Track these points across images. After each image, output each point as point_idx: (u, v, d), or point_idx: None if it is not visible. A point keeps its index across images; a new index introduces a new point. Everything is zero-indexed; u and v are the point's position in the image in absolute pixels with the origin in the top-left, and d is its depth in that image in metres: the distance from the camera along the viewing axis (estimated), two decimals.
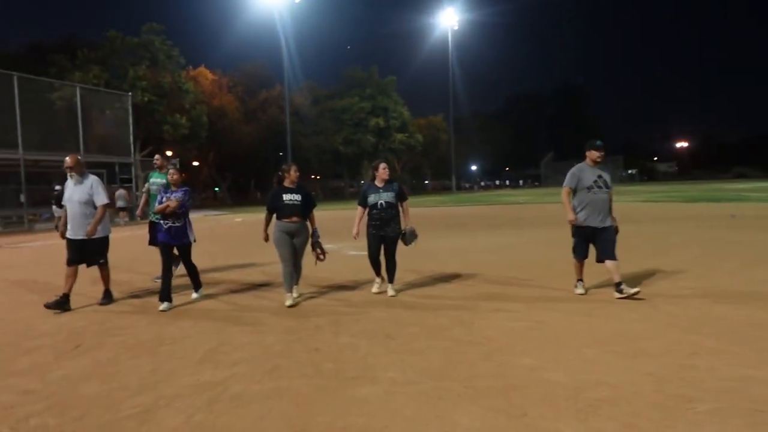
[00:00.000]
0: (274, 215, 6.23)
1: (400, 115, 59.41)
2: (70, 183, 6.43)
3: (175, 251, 6.56)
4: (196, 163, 53.90)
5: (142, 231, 9.75)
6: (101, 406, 3.44)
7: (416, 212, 24.34)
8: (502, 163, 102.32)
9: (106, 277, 6.73)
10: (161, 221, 6.33)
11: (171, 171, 6.53)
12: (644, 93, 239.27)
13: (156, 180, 8.01)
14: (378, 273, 6.65)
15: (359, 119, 57.04)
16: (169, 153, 33.78)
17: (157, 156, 8.39)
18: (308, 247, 6.42)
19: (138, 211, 8.95)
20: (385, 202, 6.34)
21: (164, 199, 6.28)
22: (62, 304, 6.25)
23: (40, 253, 13.43)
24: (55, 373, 4.14)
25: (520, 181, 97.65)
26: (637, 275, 7.18)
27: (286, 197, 6.12)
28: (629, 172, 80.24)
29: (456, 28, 61.43)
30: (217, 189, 69.86)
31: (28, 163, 23.69)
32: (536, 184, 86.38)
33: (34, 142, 24.15)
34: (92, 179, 6.47)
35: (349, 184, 70.81)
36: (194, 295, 6.70)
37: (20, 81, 23.76)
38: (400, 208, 6.53)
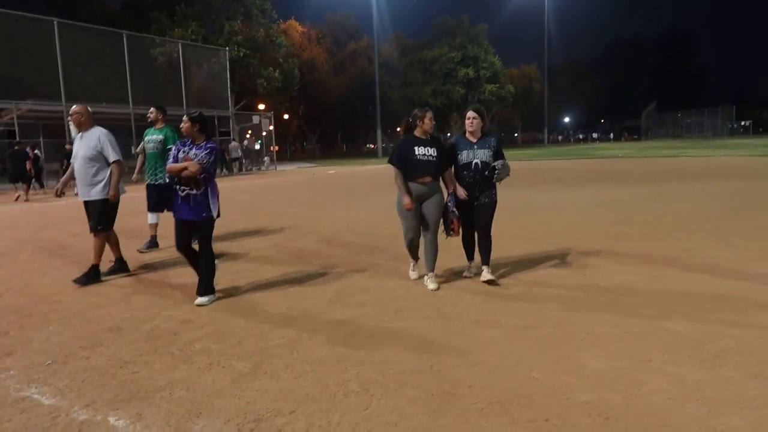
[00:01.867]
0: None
1: (491, 65, 57.78)
2: (76, 137, 5.87)
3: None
4: (286, 116, 55.51)
5: (249, 181, 10.35)
6: (253, 335, 3.96)
7: (511, 166, 24.15)
8: (598, 115, 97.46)
9: (97, 248, 5.76)
10: (177, 186, 4.82)
11: (183, 120, 4.81)
12: (761, 37, 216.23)
13: (152, 137, 7.30)
14: (470, 254, 5.43)
15: (448, 70, 56.16)
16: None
17: (151, 109, 7.44)
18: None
19: (134, 176, 8.66)
20: (481, 161, 5.04)
21: (180, 156, 4.79)
22: (92, 277, 5.68)
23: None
24: (204, 307, 4.74)
25: (611, 135, 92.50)
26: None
27: (419, 151, 4.89)
28: (743, 123, 73.94)
29: None
30: (305, 143, 71.78)
31: (136, 116, 25.49)
32: (635, 137, 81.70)
33: (139, 97, 25.87)
34: (99, 132, 5.73)
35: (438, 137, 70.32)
36: (200, 300, 4.79)
37: (128, 39, 25.40)
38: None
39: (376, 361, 3.39)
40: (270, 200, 14.55)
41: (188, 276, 5.47)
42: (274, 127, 38.85)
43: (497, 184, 5.17)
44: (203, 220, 4.80)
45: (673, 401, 2.75)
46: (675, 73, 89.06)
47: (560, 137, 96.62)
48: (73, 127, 5.92)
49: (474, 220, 5.16)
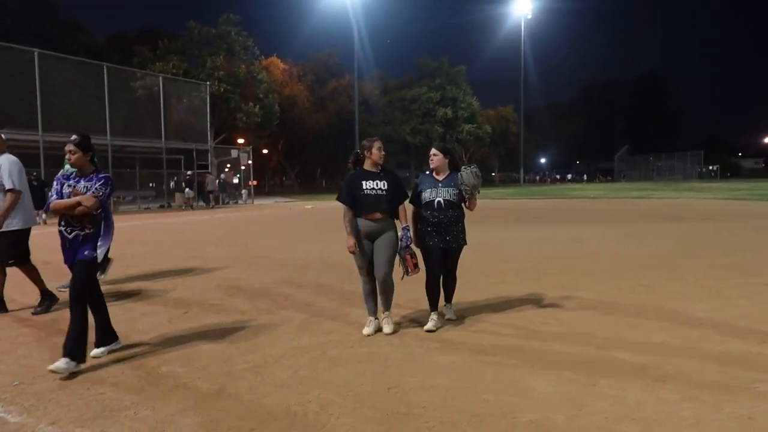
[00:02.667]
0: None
1: (469, 106, 59.31)
2: None
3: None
4: (265, 151, 55.82)
5: (226, 214, 10.45)
6: (219, 360, 4.07)
7: (484, 204, 24.39)
8: (573, 156, 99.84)
9: (30, 278, 5.69)
10: (62, 227, 4.13)
11: (69, 150, 4.04)
12: (731, 85, 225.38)
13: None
14: (434, 305, 4.90)
15: (427, 109, 57.45)
16: (221, 153, 35.14)
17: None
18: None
19: (43, 217, 7.29)
20: (444, 200, 4.74)
21: (66, 191, 4.05)
22: (49, 304, 5.68)
23: (129, 232, 14.68)
24: (173, 333, 4.84)
25: (585, 176, 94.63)
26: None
27: (367, 185, 4.54)
28: (711, 168, 76.43)
29: (529, 16, 60.51)
30: (284, 178, 72.01)
31: (114, 148, 25.50)
32: (608, 178, 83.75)
33: (119, 128, 25.94)
34: (5, 159, 5.42)
35: (415, 174, 71.20)
36: (96, 352, 4.13)
37: (108, 71, 25.63)
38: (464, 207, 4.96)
39: (337, 384, 3.54)
40: (244, 233, 14.67)
41: (158, 303, 5.57)
42: (254, 162, 39.14)
43: (458, 227, 4.82)
44: (84, 259, 3.99)
45: (610, 420, 2.95)
46: (649, 116, 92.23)
47: (537, 177, 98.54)
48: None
49: (438, 265, 4.84)
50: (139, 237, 13.36)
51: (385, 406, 3.19)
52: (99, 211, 4.06)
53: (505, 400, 3.23)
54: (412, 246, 4.71)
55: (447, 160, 4.90)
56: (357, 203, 4.57)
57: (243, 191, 35.39)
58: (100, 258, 4.09)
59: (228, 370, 3.86)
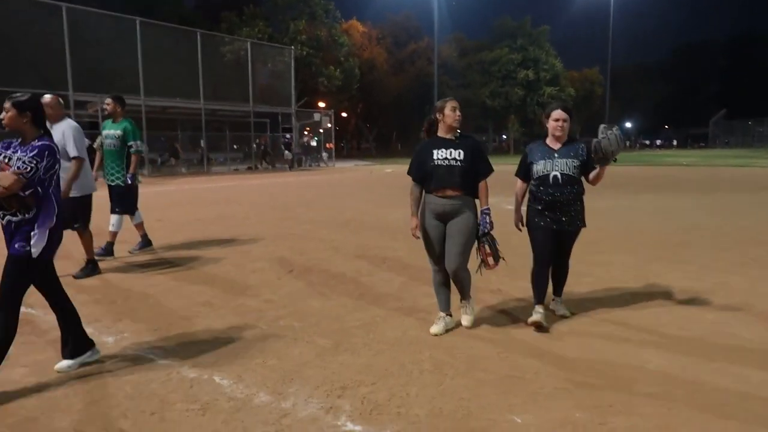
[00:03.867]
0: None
1: (552, 67, 56.93)
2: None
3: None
4: (344, 114, 56.38)
5: (310, 176, 10.59)
6: (330, 317, 4.28)
7: None
8: (662, 121, 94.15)
9: (84, 244, 5.61)
10: None
11: (5, 107, 3.18)
12: None
13: (109, 131, 6.45)
14: (539, 297, 4.03)
15: (508, 71, 55.70)
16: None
17: (107, 100, 6.56)
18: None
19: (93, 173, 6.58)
20: (562, 174, 3.87)
21: None
22: (90, 271, 5.59)
23: (226, 192, 15.40)
24: (283, 289, 5.11)
25: (674, 142, 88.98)
26: None
27: (439, 155, 3.75)
28: None
29: None
30: (361, 141, 72.60)
31: (206, 112, 26.57)
32: (701, 144, 78.56)
33: (209, 92, 26.96)
34: (65, 125, 5.32)
35: (493, 138, 69.82)
36: (62, 365, 3.26)
37: (201, 37, 26.54)
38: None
39: (446, 346, 3.65)
40: (331, 195, 15.01)
41: (264, 260, 5.86)
42: (332, 125, 39.69)
43: (576, 207, 3.99)
44: (13, 254, 3.03)
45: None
46: (746, 78, 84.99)
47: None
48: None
49: (550, 251, 4.00)
50: (235, 197, 14.01)
51: (497, 369, 3.26)
52: (29, 192, 3.04)
53: (619, 372, 3.22)
54: (492, 234, 3.82)
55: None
56: (426, 176, 3.81)
57: (323, 153, 36.07)
58: (35, 253, 3.04)
59: (340, 327, 4.05)
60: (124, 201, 6.52)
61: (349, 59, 42.79)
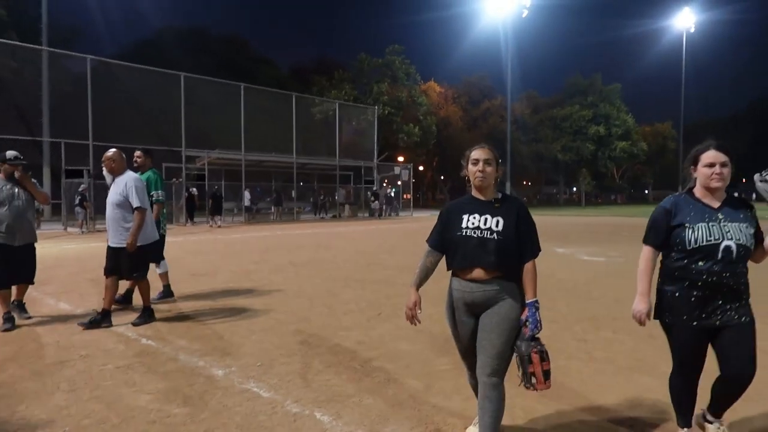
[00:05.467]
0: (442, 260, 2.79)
1: (624, 123, 55.37)
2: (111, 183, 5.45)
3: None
4: (421, 168, 57.03)
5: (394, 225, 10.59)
6: (419, 360, 4.22)
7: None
8: (738, 173, 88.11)
9: (142, 292, 5.42)
10: None
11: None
12: None
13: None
14: (686, 420, 2.81)
15: (579, 127, 54.73)
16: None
17: (137, 152, 6.37)
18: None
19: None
20: (738, 244, 2.55)
21: None
22: (96, 322, 5.14)
23: (316, 238, 15.80)
24: (374, 331, 5.11)
25: (753, 195, 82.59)
26: None
27: (469, 222, 2.63)
28: None
29: (692, 30, 55.01)
30: (436, 192, 72.86)
31: (298, 165, 27.73)
32: None
33: (300, 147, 28.18)
34: (128, 177, 5.28)
35: (563, 191, 68.09)
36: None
37: (296, 99, 28.04)
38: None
39: (537, 395, 3.48)
40: (411, 242, 15.03)
41: (354, 303, 5.89)
42: (410, 177, 40.25)
43: (747, 292, 2.61)
44: None
45: None
46: None
47: None
48: (105, 173, 5.46)
49: (700, 356, 2.67)
50: (323, 243, 14.34)
51: (589, 418, 3.07)
52: None
53: None
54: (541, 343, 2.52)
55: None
56: (449, 248, 2.67)
57: (396, 204, 36.53)
58: None
59: (429, 370, 3.98)
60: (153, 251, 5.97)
61: (427, 117, 43.67)
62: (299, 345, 4.58)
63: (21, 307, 5.48)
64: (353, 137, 35.62)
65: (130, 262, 5.16)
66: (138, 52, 38.92)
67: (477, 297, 2.58)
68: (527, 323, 2.49)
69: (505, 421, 2.90)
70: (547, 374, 2.49)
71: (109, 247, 5.27)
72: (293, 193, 28.46)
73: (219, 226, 21.19)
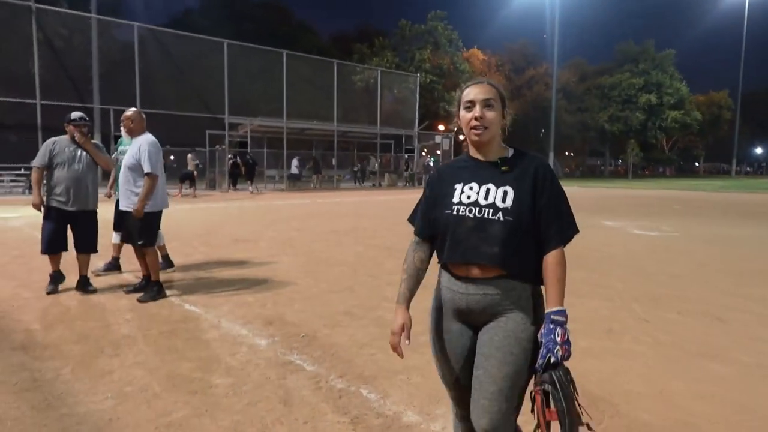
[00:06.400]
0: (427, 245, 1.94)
1: (677, 91, 52.64)
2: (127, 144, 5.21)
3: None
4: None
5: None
6: None
7: (698, 196, 21.58)
8: None
9: (149, 263, 4.94)
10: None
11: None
12: None
13: (124, 148, 5.75)
14: None
15: (628, 96, 52.37)
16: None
17: (126, 113, 5.20)
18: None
19: (107, 191, 6.34)
20: None
21: None
22: (157, 293, 4.87)
23: (355, 207, 15.68)
24: (419, 304, 4.89)
25: None
26: None
27: (464, 194, 1.77)
28: None
29: None
30: None
31: (338, 133, 27.54)
32: None
33: (341, 116, 27.95)
34: (144, 139, 4.91)
35: (608, 163, 65.77)
36: None
37: (337, 66, 27.67)
38: None
39: (599, 379, 3.22)
40: None
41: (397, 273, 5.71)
42: (451, 147, 39.56)
43: None
44: None
45: None
46: None
47: (748, 169, 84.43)
48: (124, 133, 5.24)
49: None
50: (363, 212, 14.20)
51: (661, 410, 2.80)
52: None
53: None
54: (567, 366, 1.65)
55: None
56: (437, 232, 1.84)
57: None
58: None
59: None
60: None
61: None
62: (343, 316, 4.42)
63: (84, 282, 5.08)
64: (394, 105, 35.11)
65: (136, 228, 4.85)
66: (183, 20, 39.14)
67: (474, 303, 1.72)
68: (543, 341, 1.62)
69: None
70: (569, 424, 1.55)
71: (117, 211, 5.10)
72: (333, 161, 28.34)
73: (252, 192, 21.42)
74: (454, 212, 1.75)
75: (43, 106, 18.80)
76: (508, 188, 1.72)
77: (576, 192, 24.02)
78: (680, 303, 4.96)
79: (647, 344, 3.85)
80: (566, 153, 63.00)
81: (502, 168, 1.76)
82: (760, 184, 38.30)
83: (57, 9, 22.21)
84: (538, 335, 1.67)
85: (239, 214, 13.35)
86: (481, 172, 1.78)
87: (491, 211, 1.69)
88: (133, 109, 5.13)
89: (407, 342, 1.82)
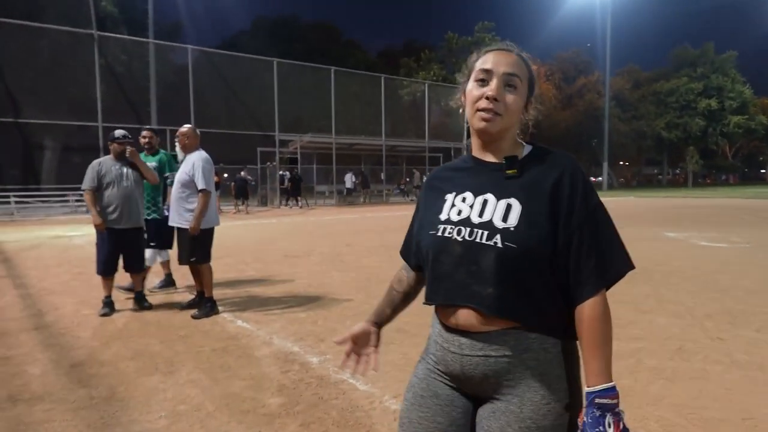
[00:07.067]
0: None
1: (739, 95, 50.11)
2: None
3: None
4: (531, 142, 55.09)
5: None
6: None
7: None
8: None
9: (203, 280, 4.96)
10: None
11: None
12: None
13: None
14: None
15: (687, 101, 50.25)
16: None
17: (144, 132, 6.01)
18: None
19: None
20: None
21: None
22: (210, 309, 4.89)
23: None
24: None
25: None
26: None
27: (453, 208, 1.25)
28: None
29: None
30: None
31: (387, 147, 27.64)
32: None
33: (388, 130, 28.07)
34: (197, 156, 4.89)
35: (666, 172, 63.16)
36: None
37: (384, 81, 27.89)
38: None
39: (674, 403, 2.96)
40: None
41: None
42: None
43: None
44: None
45: None
46: None
47: None
48: (178, 149, 5.17)
49: None
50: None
51: None
52: None
53: None
54: None
55: None
56: (422, 260, 1.33)
57: None
58: None
59: None
60: (162, 235, 5.73)
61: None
62: (395, 333, 4.30)
63: (140, 298, 5.13)
64: (442, 118, 34.99)
65: (189, 246, 4.80)
66: (234, 42, 40.52)
67: (471, 368, 1.18)
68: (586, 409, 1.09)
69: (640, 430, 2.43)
70: None
71: (173, 228, 5.05)
72: (382, 176, 28.44)
73: (300, 207, 21.77)
74: (439, 233, 1.22)
75: (104, 128, 19.76)
76: (513, 201, 1.17)
77: (633, 203, 23.11)
78: (758, 320, 4.58)
79: (724, 365, 3.54)
80: (620, 163, 60.92)
81: (507, 171, 1.21)
82: None
83: (117, 36, 23.42)
84: (579, 423, 1.09)
85: (290, 229, 13.51)
86: (480, 178, 1.25)
87: (486, 233, 1.15)
88: (188, 125, 5.15)
89: (373, 365, 1.46)
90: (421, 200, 1.42)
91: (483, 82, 1.22)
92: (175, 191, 4.97)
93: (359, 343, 1.45)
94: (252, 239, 11.03)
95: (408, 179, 30.96)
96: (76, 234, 12.09)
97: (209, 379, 3.32)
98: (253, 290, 5.99)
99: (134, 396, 3.07)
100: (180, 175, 4.93)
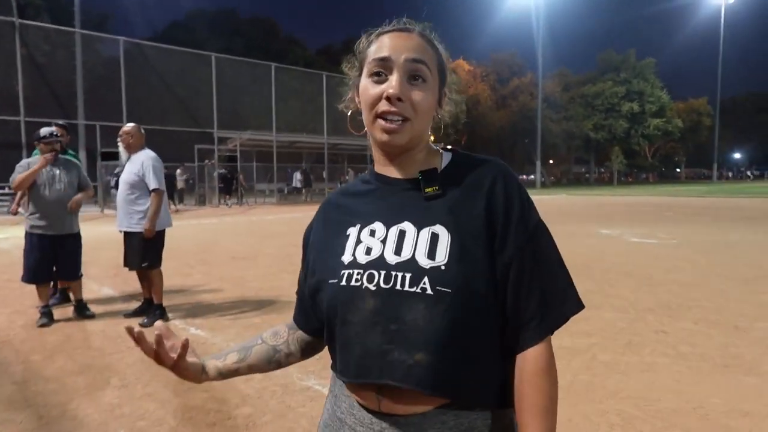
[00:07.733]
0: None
1: (658, 99, 53.42)
2: (125, 160, 4.84)
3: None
4: (449, 147, 56.06)
5: None
6: None
7: (683, 202, 21.71)
8: None
9: (153, 286, 4.74)
10: None
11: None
12: None
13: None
14: None
15: (611, 104, 53.02)
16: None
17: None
18: None
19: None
20: None
21: None
22: (158, 316, 4.64)
23: None
24: None
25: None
26: None
27: (359, 245, 0.91)
28: None
29: (731, 0, 52.69)
30: None
31: (328, 146, 27.44)
32: None
33: (330, 129, 27.90)
34: (145, 155, 4.66)
35: (593, 170, 66.38)
36: None
37: (326, 78, 27.69)
38: None
39: (631, 396, 3.10)
40: None
41: None
42: None
43: None
44: None
45: None
46: None
47: (729, 174, 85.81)
48: (121, 149, 4.83)
49: None
50: None
51: (699, 429, 2.68)
52: None
53: None
54: None
55: None
56: (318, 321, 0.99)
57: None
58: None
59: None
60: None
61: (457, 96, 42.84)
62: None
63: (80, 307, 4.82)
64: None
65: (141, 250, 4.53)
66: (168, 34, 38.91)
67: None
68: None
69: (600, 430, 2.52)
70: None
71: (122, 233, 4.67)
72: (324, 174, 28.20)
73: (229, 207, 21.52)
74: (343, 281, 0.89)
75: (27, 123, 18.45)
76: (440, 229, 0.88)
77: (565, 200, 24.10)
78: (694, 312, 4.88)
79: (670, 357, 3.75)
80: (551, 161, 63.51)
81: (426, 190, 0.92)
82: (742, 188, 38.82)
83: (40, 24, 21.95)
84: None
85: (233, 229, 13.14)
86: (391, 201, 0.94)
87: (408, 276, 0.84)
88: (132, 123, 4.84)
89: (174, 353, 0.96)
90: (312, 240, 1.04)
91: (380, 75, 0.91)
92: (122, 193, 4.65)
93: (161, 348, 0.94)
94: (194, 240, 10.64)
95: (347, 177, 30.92)
96: (0, 237, 11.23)
97: (168, 392, 3.16)
98: (202, 295, 5.78)
99: (88, 413, 2.87)
100: (127, 176, 4.63)
